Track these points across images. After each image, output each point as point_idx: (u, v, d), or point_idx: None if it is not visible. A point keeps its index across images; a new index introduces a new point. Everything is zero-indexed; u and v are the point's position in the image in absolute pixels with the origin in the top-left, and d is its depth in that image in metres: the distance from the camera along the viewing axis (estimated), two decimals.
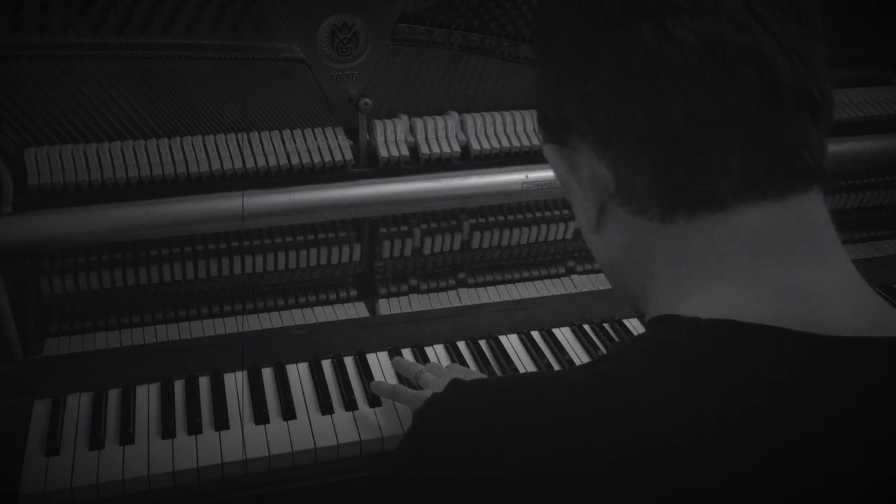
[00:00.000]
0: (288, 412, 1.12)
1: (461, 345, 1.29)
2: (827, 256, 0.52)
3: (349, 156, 1.28)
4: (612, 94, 0.51)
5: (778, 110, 0.50)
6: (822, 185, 0.53)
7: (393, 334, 1.30)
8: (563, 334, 1.32)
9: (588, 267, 1.50)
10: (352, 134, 1.31)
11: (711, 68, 0.48)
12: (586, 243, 0.64)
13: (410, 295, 1.42)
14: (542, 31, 0.58)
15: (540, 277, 1.48)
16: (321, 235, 1.32)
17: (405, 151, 1.30)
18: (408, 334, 1.30)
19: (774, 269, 0.51)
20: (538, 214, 1.41)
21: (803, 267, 0.51)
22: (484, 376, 1.16)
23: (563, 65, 0.54)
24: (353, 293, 1.40)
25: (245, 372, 1.20)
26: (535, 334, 1.32)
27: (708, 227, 0.52)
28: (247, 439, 1.08)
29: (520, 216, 1.40)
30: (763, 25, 0.49)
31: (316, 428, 1.11)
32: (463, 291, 1.44)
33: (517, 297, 1.44)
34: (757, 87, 0.49)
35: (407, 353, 1.25)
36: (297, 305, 1.37)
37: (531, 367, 1.25)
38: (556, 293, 1.45)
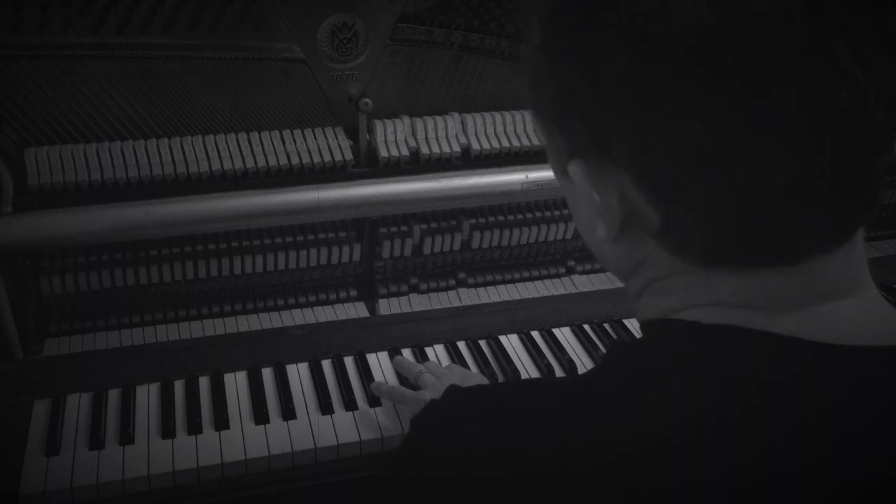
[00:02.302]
0: (288, 412, 1.12)
1: (461, 345, 1.29)
2: (860, 286, 0.51)
3: (349, 156, 1.28)
4: (689, 155, 0.45)
5: (869, 164, 0.47)
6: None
7: (393, 334, 1.30)
8: (563, 334, 1.32)
9: (588, 267, 1.50)
10: (352, 134, 1.31)
11: (815, 128, 0.44)
12: (592, 248, 0.60)
13: (410, 295, 1.42)
14: (579, 44, 0.49)
15: (540, 277, 1.48)
16: (321, 235, 1.32)
17: (405, 151, 1.30)
18: (408, 334, 1.30)
19: (807, 306, 0.50)
20: (538, 214, 1.41)
21: (837, 301, 0.50)
22: (483, 377, 1.16)
23: (616, 98, 0.47)
24: (353, 293, 1.40)
25: (245, 372, 1.20)
26: (535, 334, 1.32)
27: (758, 275, 0.49)
28: (247, 439, 1.08)
29: (520, 216, 1.40)
30: (868, 75, 0.44)
31: (316, 428, 1.11)
32: (463, 291, 1.44)
33: (517, 297, 1.44)
34: (858, 146, 0.46)
35: (407, 353, 1.25)
36: (297, 305, 1.37)
37: (531, 367, 1.25)
38: (556, 293, 1.45)
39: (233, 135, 1.25)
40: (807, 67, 0.43)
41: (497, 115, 1.35)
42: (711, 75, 0.44)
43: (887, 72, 0.45)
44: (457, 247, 1.40)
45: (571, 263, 1.49)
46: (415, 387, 1.13)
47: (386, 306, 1.39)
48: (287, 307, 1.37)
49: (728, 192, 0.46)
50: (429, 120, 1.32)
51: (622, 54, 0.46)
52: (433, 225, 1.37)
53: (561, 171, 0.56)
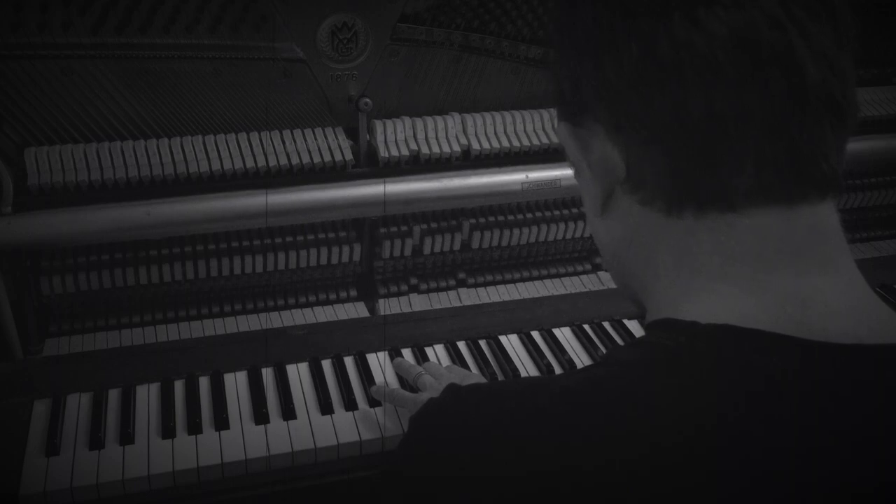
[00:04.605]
0: (288, 412, 1.12)
1: (461, 345, 1.29)
2: (834, 266, 0.52)
3: (349, 156, 1.28)
4: (630, 82, 0.50)
5: (801, 116, 0.49)
6: (836, 194, 0.52)
7: (393, 334, 1.30)
8: (563, 334, 1.32)
9: (588, 267, 1.50)
10: (352, 134, 1.31)
11: (739, 65, 0.48)
12: (591, 231, 0.64)
13: (410, 295, 1.42)
14: (561, 8, 0.57)
15: (539, 277, 1.48)
16: (321, 235, 1.32)
17: (405, 151, 1.30)
18: (408, 334, 1.30)
19: (780, 275, 0.51)
20: (538, 214, 1.41)
21: (809, 275, 0.51)
22: (482, 378, 1.16)
23: (580, 46, 0.53)
24: (353, 293, 1.40)
25: (245, 372, 1.20)
26: (535, 334, 1.32)
27: (716, 227, 0.52)
28: (247, 439, 1.08)
29: (520, 216, 1.40)
30: (797, 27, 0.48)
31: (316, 428, 1.11)
32: (463, 291, 1.44)
33: (517, 297, 1.44)
34: (783, 89, 0.48)
35: (407, 353, 1.25)
36: (297, 305, 1.37)
37: (531, 367, 1.25)
38: (555, 293, 1.45)
39: (233, 135, 1.25)
40: (733, 4, 0.48)
41: (497, 115, 1.35)
42: (641, 13, 0.49)
43: (816, 26, 0.48)
44: (457, 247, 1.40)
45: (571, 264, 1.49)
46: (414, 389, 1.13)
47: (386, 306, 1.39)
48: (287, 307, 1.37)
49: (666, 122, 0.50)
50: (429, 120, 1.32)
51: (586, 7, 0.53)
52: (433, 225, 1.37)
53: (580, 174, 0.60)
